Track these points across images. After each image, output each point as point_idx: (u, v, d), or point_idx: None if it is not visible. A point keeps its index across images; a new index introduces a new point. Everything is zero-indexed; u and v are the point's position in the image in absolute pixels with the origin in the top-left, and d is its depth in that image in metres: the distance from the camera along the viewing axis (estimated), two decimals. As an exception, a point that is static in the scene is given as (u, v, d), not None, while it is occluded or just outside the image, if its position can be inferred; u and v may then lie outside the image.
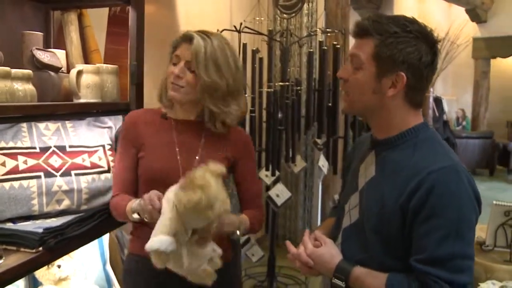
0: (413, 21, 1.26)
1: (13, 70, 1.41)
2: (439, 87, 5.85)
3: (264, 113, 3.47)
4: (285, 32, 3.56)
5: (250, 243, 3.25)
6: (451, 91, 6.16)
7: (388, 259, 1.26)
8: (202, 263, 1.44)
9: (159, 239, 1.33)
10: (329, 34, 3.65)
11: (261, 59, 3.46)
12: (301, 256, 1.35)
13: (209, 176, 1.30)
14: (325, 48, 3.45)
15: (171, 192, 1.39)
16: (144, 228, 1.61)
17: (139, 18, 1.93)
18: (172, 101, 1.64)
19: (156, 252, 1.34)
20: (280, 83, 3.38)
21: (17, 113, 1.41)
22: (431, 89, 5.13)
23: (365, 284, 1.26)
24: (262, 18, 3.90)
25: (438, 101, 6.10)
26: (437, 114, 5.58)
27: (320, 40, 3.58)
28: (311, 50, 3.52)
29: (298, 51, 4.23)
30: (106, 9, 2.46)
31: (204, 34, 1.57)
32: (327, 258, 1.32)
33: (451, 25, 4.84)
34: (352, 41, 1.36)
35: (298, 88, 3.55)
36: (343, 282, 1.27)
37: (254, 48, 3.43)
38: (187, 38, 1.57)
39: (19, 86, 1.42)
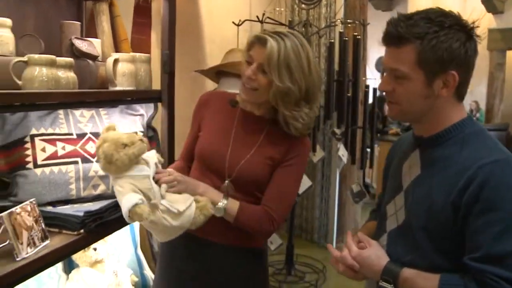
0: (446, 14, 1.20)
1: (58, 59, 1.45)
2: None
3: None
4: (305, 22, 3.57)
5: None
6: (466, 82, 6.15)
7: (438, 258, 1.21)
8: (191, 206, 1.45)
9: (126, 199, 1.36)
10: (349, 25, 3.67)
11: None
12: (346, 259, 1.28)
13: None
14: (346, 38, 3.47)
15: None
16: None
17: (171, 8, 1.97)
18: (242, 97, 1.61)
19: (133, 211, 1.33)
20: (301, 73, 3.40)
21: (62, 100, 1.44)
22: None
23: (416, 286, 1.19)
24: (282, 9, 3.91)
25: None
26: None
27: (340, 31, 3.59)
28: (332, 40, 3.53)
29: (317, 42, 4.24)
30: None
31: (278, 35, 1.50)
32: (373, 261, 1.26)
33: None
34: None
35: (320, 78, 3.57)
36: (392, 285, 1.21)
37: (275, 38, 3.44)
38: (261, 40, 1.51)
39: (62, 73, 1.47)
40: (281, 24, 3.39)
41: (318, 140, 3.94)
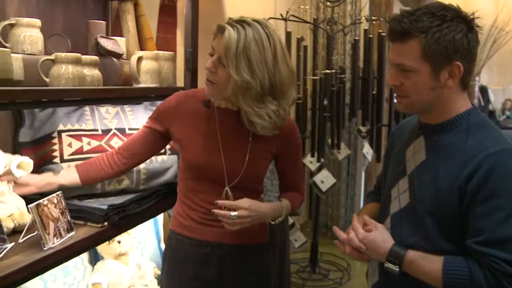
0: (447, 8, 1.24)
1: (83, 56, 1.50)
2: (484, 76, 5.67)
3: (309, 100, 3.52)
4: (330, 20, 3.57)
5: (295, 228, 3.30)
6: (497, 80, 5.98)
7: (443, 241, 1.25)
8: None
9: None
10: (373, 22, 3.65)
11: (305, 47, 3.49)
12: (353, 241, 1.32)
13: None
14: (371, 36, 3.45)
15: None
16: (183, 206, 1.63)
17: (194, 7, 2.01)
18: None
19: None
20: (325, 71, 3.41)
21: (87, 96, 1.49)
22: (477, 78, 5.00)
23: (421, 268, 1.24)
24: (307, 7, 3.91)
25: (483, 90, 5.93)
26: (482, 103, 5.43)
27: (365, 28, 3.58)
28: (357, 38, 3.52)
29: (342, 39, 4.23)
30: (158, -1, 2.56)
31: (240, 23, 1.39)
32: (379, 243, 1.30)
33: (500, 11, 4.70)
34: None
35: (343, 76, 3.57)
36: (397, 266, 1.26)
37: (299, 36, 3.46)
38: (222, 29, 1.40)
39: (87, 71, 1.52)
40: (306, 22, 3.40)
41: (343, 137, 3.93)
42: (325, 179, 3.29)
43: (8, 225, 1.46)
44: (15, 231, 1.45)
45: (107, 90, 1.58)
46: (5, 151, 1.71)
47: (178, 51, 2.88)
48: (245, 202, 1.45)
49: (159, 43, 2.52)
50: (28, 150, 1.78)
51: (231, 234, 1.53)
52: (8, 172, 1.58)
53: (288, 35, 3.32)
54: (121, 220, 1.64)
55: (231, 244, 1.57)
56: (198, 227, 1.58)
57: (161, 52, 1.92)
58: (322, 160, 3.37)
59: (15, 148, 1.76)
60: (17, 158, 1.63)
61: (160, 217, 2.29)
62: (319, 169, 3.40)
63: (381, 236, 1.32)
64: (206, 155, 1.53)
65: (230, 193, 1.53)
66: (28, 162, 1.64)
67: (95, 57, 1.55)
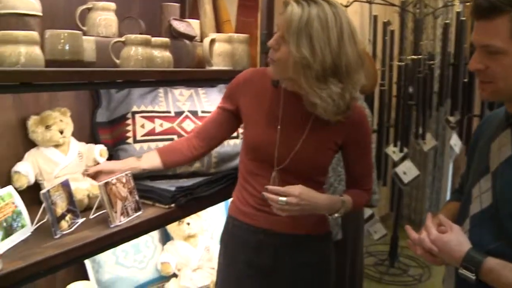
0: None
1: (153, 38, 1.51)
2: None
3: (394, 87, 3.36)
4: (419, 2, 3.36)
5: (374, 219, 3.18)
6: None
7: None
8: None
9: None
10: (468, 3, 3.38)
11: (392, 32, 3.32)
12: (424, 242, 1.21)
13: None
14: (464, 19, 3.21)
15: None
16: (241, 190, 1.59)
17: (269, -13, 1.95)
18: None
19: None
20: (412, 57, 3.22)
21: (155, 78, 1.50)
22: None
23: (502, 278, 1.09)
24: (395, -11, 3.72)
25: None
26: None
27: (458, 10, 3.33)
28: (448, 21, 3.29)
29: (432, 23, 3.98)
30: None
31: (307, 1, 1.33)
32: (454, 246, 1.17)
33: None
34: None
35: (431, 62, 3.36)
36: (473, 274, 1.12)
37: (385, 20, 3.30)
38: (286, 6, 1.35)
39: (157, 53, 1.52)
40: (392, 4, 3.23)
41: (430, 127, 3.72)
42: (407, 171, 3.13)
43: (83, 201, 1.53)
44: (90, 208, 1.50)
45: (177, 72, 1.58)
46: (83, 131, 1.80)
47: (260, 35, 2.86)
48: (296, 189, 1.37)
49: (239, 27, 2.50)
50: (105, 130, 1.84)
51: (287, 222, 1.48)
52: (95, 161, 1.68)
53: (374, 19, 3.18)
54: (188, 203, 1.64)
55: (286, 233, 1.52)
56: (254, 212, 1.54)
57: (235, 34, 1.89)
58: (405, 150, 3.21)
59: (93, 128, 1.83)
60: (97, 146, 1.71)
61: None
62: (402, 160, 3.24)
63: (456, 239, 1.19)
64: (262, 135, 1.49)
65: (278, 177, 1.46)
66: (104, 149, 1.72)
67: (166, 39, 1.55)
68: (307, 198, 1.38)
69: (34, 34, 1.18)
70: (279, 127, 1.47)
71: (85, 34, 1.54)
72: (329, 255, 1.62)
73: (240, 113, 1.58)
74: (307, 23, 1.30)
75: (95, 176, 1.60)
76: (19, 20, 1.32)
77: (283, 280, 1.54)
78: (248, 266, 1.56)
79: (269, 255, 1.53)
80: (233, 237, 1.62)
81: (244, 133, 1.57)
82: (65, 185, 1.43)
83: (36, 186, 1.56)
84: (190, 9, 2.23)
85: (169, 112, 1.86)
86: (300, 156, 1.46)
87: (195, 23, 1.85)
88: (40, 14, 1.37)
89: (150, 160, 1.63)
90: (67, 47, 1.28)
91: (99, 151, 1.71)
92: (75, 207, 1.44)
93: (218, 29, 2.28)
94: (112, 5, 1.60)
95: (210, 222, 2.20)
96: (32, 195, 1.51)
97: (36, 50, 1.17)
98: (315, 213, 1.45)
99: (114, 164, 1.62)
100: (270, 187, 1.38)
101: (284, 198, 1.35)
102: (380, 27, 3.25)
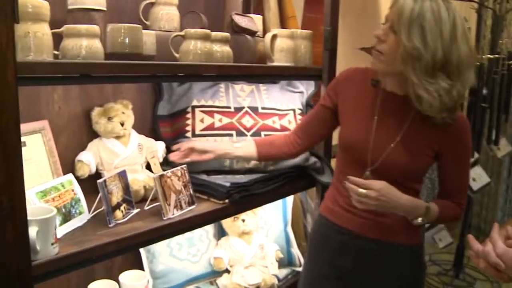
0: None
1: (213, 33, 1.50)
2: None
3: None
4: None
5: (439, 226, 3.03)
6: None
7: None
8: None
9: None
10: (556, 0, 3.14)
11: (468, 29, 3.14)
12: (489, 256, 1.10)
13: None
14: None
15: None
16: (332, 189, 1.58)
17: (334, -16, 1.90)
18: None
19: None
20: (489, 56, 3.03)
21: (213, 72, 1.50)
22: None
23: None
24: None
25: None
26: None
27: (545, 7, 3.09)
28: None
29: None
30: (305, -22, 2.49)
31: None
32: None
33: None
34: None
35: (511, 62, 3.14)
36: None
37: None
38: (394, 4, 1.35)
39: (217, 47, 1.52)
40: (469, 0, 3.05)
41: (506, 132, 3.49)
42: (477, 177, 2.95)
43: (139, 192, 1.55)
44: (146, 199, 1.53)
45: (236, 67, 1.57)
46: (144, 123, 1.83)
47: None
48: (378, 184, 1.33)
49: (305, 23, 2.47)
50: (166, 123, 1.87)
51: (373, 227, 1.45)
52: (155, 155, 1.72)
53: (448, 15, 3.02)
54: (242, 199, 1.63)
55: (372, 237, 1.46)
56: (341, 212, 1.51)
57: (298, 30, 1.86)
58: (476, 155, 3.03)
59: (154, 121, 1.86)
60: (160, 144, 1.78)
61: (290, 200, 2.25)
62: (472, 165, 3.07)
63: None
64: (356, 134, 1.48)
65: (370, 178, 1.40)
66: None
67: (226, 34, 1.54)
68: (386, 195, 1.33)
69: (95, 28, 1.20)
70: (374, 127, 1.44)
71: (148, 28, 1.57)
72: (420, 270, 1.55)
73: (338, 111, 1.57)
74: (419, 14, 1.28)
75: (187, 154, 1.59)
76: (85, 15, 1.37)
77: (364, 286, 1.50)
78: (329, 266, 1.54)
79: (351, 258, 1.49)
80: (319, 235, 1.61)
81: (340, 132, 1.56)
82: (122, 176, 1.46)
83: (97, 175, 1.61)
84: (255, 4, 2.22)
85: (229, 107, 1.86)
86: (393, 158, 1.41)
87: (257, 18, 1.83)
88: (104, 8, 1.41)
89: (247, 148, 1.64)
90: (127, 41, 1.30)
91: (162, 149, 1.75)
92: (130, 198, 1.47)
93: (283, 25, 2.26)
94: (174, 0, 1.61)
95: (266, 219, 2.18)
96: (93, 183, 1.55)
97: (96, 43, 1.20)
98: (391, 211, 1.38)
99: (208, 145, 1.64)
100: (352, 177, 1.35)
101: (363, 190, 1.32)
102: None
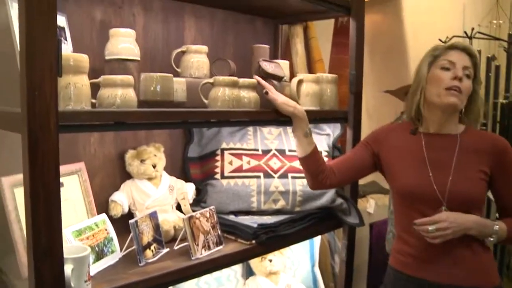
0: None
1: (241, 80, 1.58)
2: None
3: (497, 126, 3.16)
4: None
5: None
6: None
7: None
8: None
9: None
10: None
11: (497, 67, 3.16)
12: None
13: None
14: None
15: None
16: (399, 242, 1.61)
17: (358, 28, 1.96)
18: (446, 108, 1.53)
19: None
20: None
21: (241, 118, 1.56)
22: None
23: None
24: (501, 21, 3.55)
25: None
26: None
27: None
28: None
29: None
30: (332, 20, 2.57)
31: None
32: None
33: None
34: None
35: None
36: None
37: (489, 55, 3.15)
38: (458, 47, 1.56)
39: (245, 93, 1.59)
40: (496, 38, 3.07)
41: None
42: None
43: (169, 232, 1.61)
44: (175, 239, 1.58)
45: (263, 112, 1.63)
46: (175, 164, 1.91)
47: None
48: (442, 214, 1.45)
49: (332, 65, 2.53)
50: (195, 165, 1.94)
51: (451, 273, 1.47)
52: (185, 196, 1.79)
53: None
54: (269, 240, 1.67)
55: (452, 284, 1.47)
56: (415, 263, 1.53)
57: (324, 74, 1.91)
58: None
59: (184, 163, 1.93)
60: (190, 186, 1.87)
61: (317, 240, 2.27)
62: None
63: None
64: (417, 179, 1.55)
65: None
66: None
67: (253, 80, 1.61)
68: (455, 220, 1.43)
69: (130, 78, 1.29)
70: (429, 168, 1.54)
71: (179, 75, 1.66)
72: None
73: (380, 160, 1.67)
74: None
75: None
76: (120, 64, 1.47)
77: None
78: None
79: None
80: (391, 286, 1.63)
81: (394, 184, 1.62)
82: (153, 216, 1.52)
83: (129, 215, 1.67)
84: (283, 49, 2.31)
85: (256, 150, 1.92)
86: (456, 189, 1.49)
87: (284, 63, 1.90)
88: (138, 58, 1.50)
89: (311, 140, 1.66)
90: (158, 89, 1.38)
91: (192, 191, 1.83)
92: (160, 237, 1.53)
93: (310, 69, 2.33)
94: (204, 48, 1.70)
95: (293, 260, 2.19)
96: (125, 222, 1.62)
97: (130, 92, 1.28)
98: (464, 233, 1.44)
99: (293, 103, 1.66)
100: (417, 220, 1.45)
101: (433, 226, 1.42)
102: (483, 62, 3.10)
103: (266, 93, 1.62)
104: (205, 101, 1.53)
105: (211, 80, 1.53)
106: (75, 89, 1.17)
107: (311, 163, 1.66)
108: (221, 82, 1.51)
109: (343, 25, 2.75)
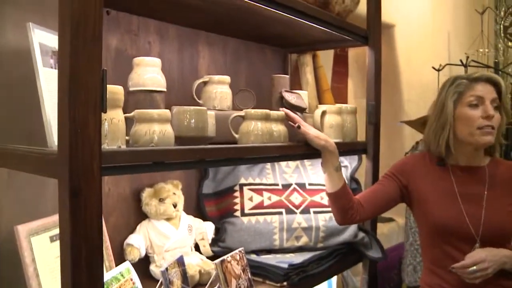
0: None
1: (271, 112, 1.48)
2: None
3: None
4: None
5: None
6: None
7: None
8: None
9: None
10: None
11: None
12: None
13: None
14: None
15: None
16: (432, 276, 1.57)
17: (377, 58, 1.91)
18: (481, 146, 1.52)
19: None
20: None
21: (274, 153, 1.46)
22: None
23: None
24: (487, 50, 3.62)
25: None
26: None
27: None
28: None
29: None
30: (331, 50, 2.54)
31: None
32: None
33: None
34: None
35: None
36: None
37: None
38: (482, 79, 1.52)
39: (274, 127, 1.49)
40: (488, 66, 3.11)
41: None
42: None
43: (194, 277, 1.48)
44: (200, 284, 1.47)
45: (294, 146, 1.54)
46: (189, 202, 1.78)
47: (349, 102, 2.81)
48: (478, 253, 1.43)
49: (333, 93, 2.48)
50: (210, 202, 1.82)
51: None
52: (204, 236, 1.68)
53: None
54: (301, 281, 1.57)
55: None
56: None
57: (344, 105, 1.85)
58: None
59: (199, 200, 1.81)
60: (209, 225, 1.73)
61: (335, 277, 2.17)
62: None
63: None
64: (447, 212, 1.53)
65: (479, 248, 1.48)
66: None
67: (282, 113, 1.52)
68: (492, 258, 1.42)
69: (167, 113, 1.17)
70: (460, 201, 1.52)
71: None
72: None
73: (409, 193, 1.62)
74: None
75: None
76: (146, 96, 1.35)
77: None
78: None
79: None
80: None
81: (425, 219, 1.58)
82: (180, 262, 1.39)
83: (145, 259, 1.54)
84: (291, 78, 2.23)
85: (277, 184, 1.82)
86: (490, 224, 1.47)
87: (304, 94, 1.82)
88: (165, 89, 1.39)
89: (341, 175, 1.59)
90: (192, 124, 1.27)
91: (212, 231, 1.70)
92: (187, 285, 1.40)
93: (320, 98, 2.26)
94: (227, 79, 1.60)
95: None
96: (141, 267, 1.48)
97: (168, 128, 1.17)
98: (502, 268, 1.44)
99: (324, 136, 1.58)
100: (456, 265, 1.43)
101: (473, 268, 1.41)
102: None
103: (299, 127, 1.53)
104: (236, 135, 1.42)
105: (242, 113, 1.42)
106: (111, 125, 1.05)
107: (341, 198, 1.58)
108: (253, 115, 1.41)
109: (338, 54, 2.72)
